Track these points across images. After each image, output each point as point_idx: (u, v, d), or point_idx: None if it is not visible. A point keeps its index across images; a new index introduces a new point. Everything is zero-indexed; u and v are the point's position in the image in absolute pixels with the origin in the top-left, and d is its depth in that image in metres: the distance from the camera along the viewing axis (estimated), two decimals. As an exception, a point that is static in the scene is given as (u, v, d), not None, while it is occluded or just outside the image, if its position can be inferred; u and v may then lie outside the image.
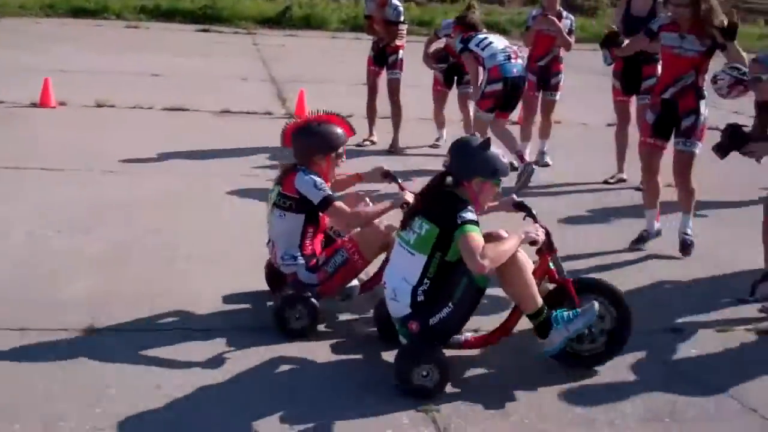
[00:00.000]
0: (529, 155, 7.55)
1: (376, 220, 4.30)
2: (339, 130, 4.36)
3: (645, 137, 5.72)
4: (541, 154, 8.03)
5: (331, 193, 4.22)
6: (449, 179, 3.82)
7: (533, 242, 3.80)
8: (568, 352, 3.91)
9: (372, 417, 3.48)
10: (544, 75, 7.84)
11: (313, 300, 4.12)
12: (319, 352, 4.04)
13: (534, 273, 3.83)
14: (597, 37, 9.15)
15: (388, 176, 4.58)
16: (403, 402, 3.58)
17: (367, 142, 8.40)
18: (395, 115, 8.33)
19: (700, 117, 5.49)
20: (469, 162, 3.78)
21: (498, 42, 6.94)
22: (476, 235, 3.57)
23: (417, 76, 9.11)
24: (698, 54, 5.39)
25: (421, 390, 3.60)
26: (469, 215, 3.62)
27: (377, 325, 4.17)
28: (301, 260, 4.21)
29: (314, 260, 4.22)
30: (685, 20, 5.34)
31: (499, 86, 6.78)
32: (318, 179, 4.21)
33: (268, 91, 11.01)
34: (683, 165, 5.55)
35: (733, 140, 5.02)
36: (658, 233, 5.80)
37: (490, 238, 3.75)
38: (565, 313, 3.77)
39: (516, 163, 6.94)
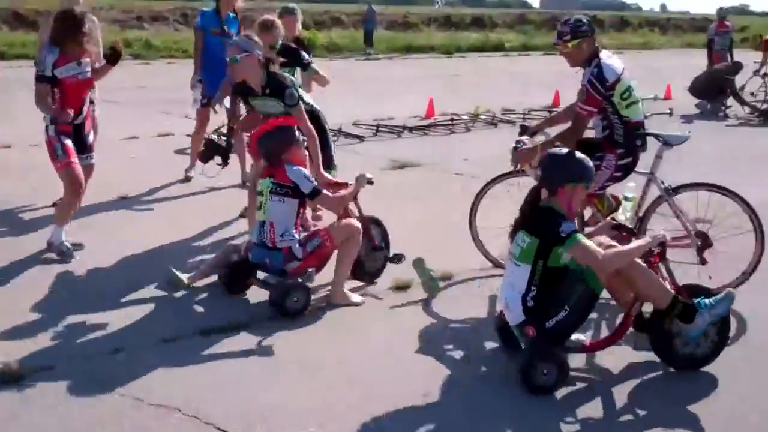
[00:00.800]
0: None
1: (351, 212, 5.21)
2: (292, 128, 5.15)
3: None
4: None
5: (317, 184, 5.00)
6: (544, 190, 4.15)
7: (654, 249, 4.12)
8: (683, 355, 4.17)
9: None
10: None
11: (306, 284, 4.84)
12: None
13: None
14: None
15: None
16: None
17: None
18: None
19: None
20: (560, 170, 4.12)
21: None
22: (587, 241, 3.96)
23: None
24: None
25: (542, 387, 3.89)
26: (570, 226, 3.99)
27: (499, 335, 4.42)
28: (296, 236, 4.93)
29: (301, 238, 4.96)
30: None
31: None
32: (306, 171, 5.01)
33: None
34: None
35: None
36: None
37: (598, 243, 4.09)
38: (705, 300, 4.06)
39: None
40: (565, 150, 4.29)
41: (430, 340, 4.57)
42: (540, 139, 5.41)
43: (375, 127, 11.59)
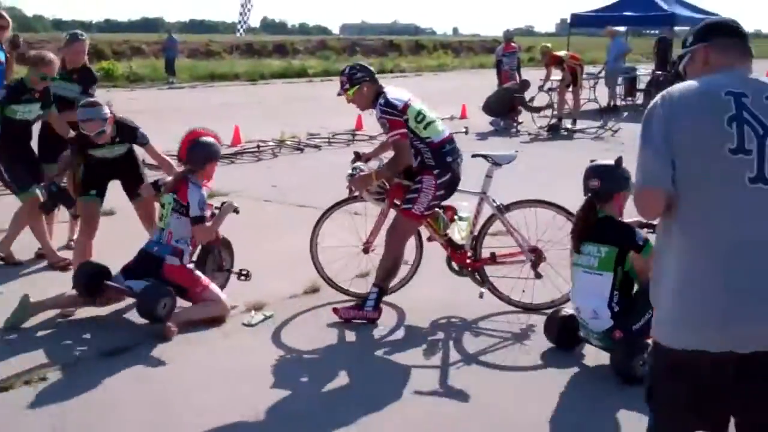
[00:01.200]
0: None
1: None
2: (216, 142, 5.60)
3: None
4: None
5: (205, 215, 5.32)
6: (597, 201, 4.50)
7: None
8: None
9: None
10: None
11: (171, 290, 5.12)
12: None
13: None
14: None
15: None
16: None
17: None
18: None
19: None
20: (615, 180, 4.52)
21: None
22: None
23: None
24: None
25: (639, 378, 3.99)
26: (643, 233, 4.40)
27: (555, 339, 4.75)
28: (188, 248, 5.38)
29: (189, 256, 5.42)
30: None
31: None
32: (203, 198, 5.36)
33: None
34: None
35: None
36: None
37: None
38: None
39: None
40: (611, 161, 4.61)
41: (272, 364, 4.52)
42: (374, 165, 5.49)
43: (177, 157, 11.28)
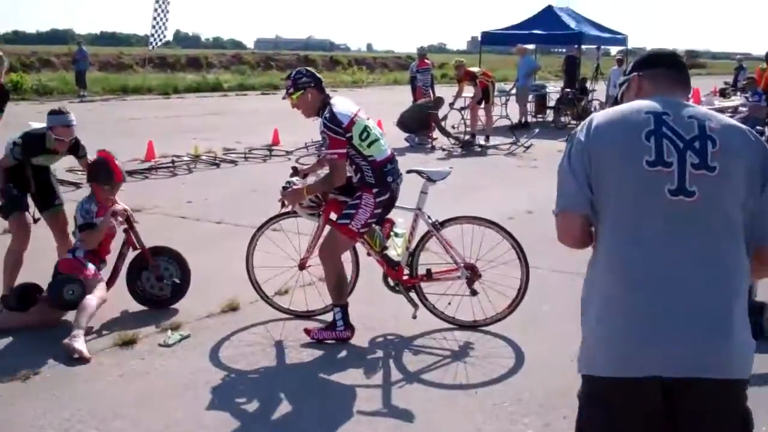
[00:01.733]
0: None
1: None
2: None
3: None
4: None
5: (91, 222, 5.57)
6: None
7: None
8: None
9: None
10: None
11: (80, 278, 5.39)
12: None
13: None
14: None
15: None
16: None
17: None
18: None
19: None
20: None
21: None
22: None
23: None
24: None
25: None
26: None
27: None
28: (83, 247, 5.63)
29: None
30: None
31: None
32: (87, 208, 5.60)
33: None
34: None
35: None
36: None
37: None
38: None
39: None
40: None
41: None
42: (310, 180, 5.45)
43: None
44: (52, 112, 5.79)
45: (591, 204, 2.38)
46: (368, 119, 5.27)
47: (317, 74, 5.34)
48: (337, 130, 5.04)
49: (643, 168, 2.29)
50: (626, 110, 2.42)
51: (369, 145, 5.13)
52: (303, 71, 5.30)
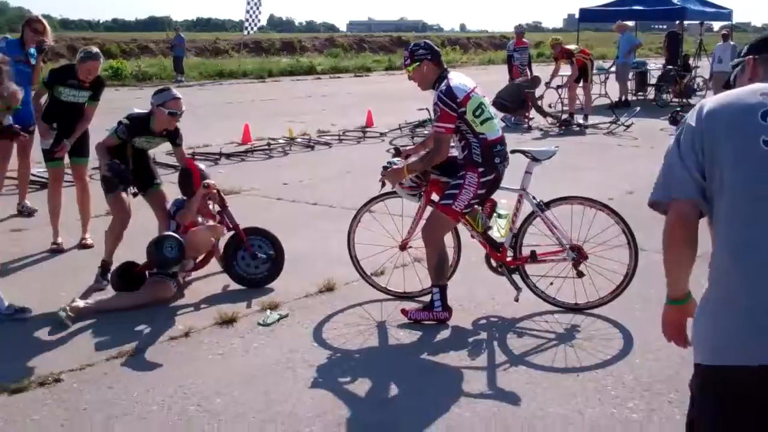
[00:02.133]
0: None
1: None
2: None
3: None
4: None
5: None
6: None
7: None
8: None
9: None
10: None
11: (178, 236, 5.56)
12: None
13: None
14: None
15: None
16: None
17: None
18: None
19: None
20: None
21: None
22: None
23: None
24: None
25: None
26: None
27: None
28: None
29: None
30: None
31: None
32: (177, 202, 5.97)
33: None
34: None
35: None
36: None
37: None
38: None
39: None
40: None
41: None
42: (411, 160, 5.38)
43: (191, 155, 11.29)
44: (159, 91, 5.98)
45: (703, 192, 2.28)
46: (484, 97, 5.15)
47: (435, 47, 5.25)
48: (450, 104, 4.95)
49: (761, 147, 2.19)
50: (741, 93, 2.32)
51: (482, 123, 5.03)
52: (421, 43, 5.24)
